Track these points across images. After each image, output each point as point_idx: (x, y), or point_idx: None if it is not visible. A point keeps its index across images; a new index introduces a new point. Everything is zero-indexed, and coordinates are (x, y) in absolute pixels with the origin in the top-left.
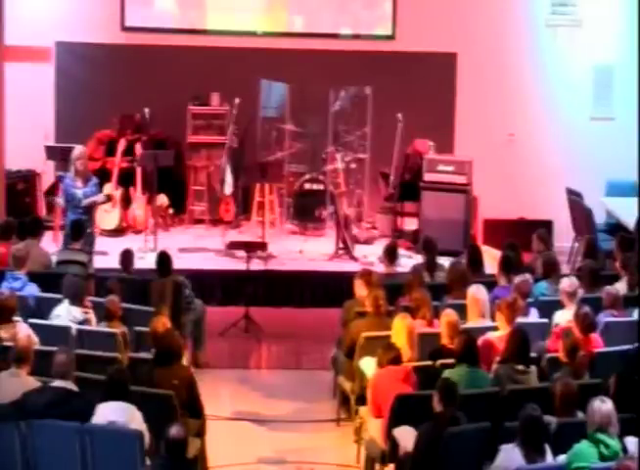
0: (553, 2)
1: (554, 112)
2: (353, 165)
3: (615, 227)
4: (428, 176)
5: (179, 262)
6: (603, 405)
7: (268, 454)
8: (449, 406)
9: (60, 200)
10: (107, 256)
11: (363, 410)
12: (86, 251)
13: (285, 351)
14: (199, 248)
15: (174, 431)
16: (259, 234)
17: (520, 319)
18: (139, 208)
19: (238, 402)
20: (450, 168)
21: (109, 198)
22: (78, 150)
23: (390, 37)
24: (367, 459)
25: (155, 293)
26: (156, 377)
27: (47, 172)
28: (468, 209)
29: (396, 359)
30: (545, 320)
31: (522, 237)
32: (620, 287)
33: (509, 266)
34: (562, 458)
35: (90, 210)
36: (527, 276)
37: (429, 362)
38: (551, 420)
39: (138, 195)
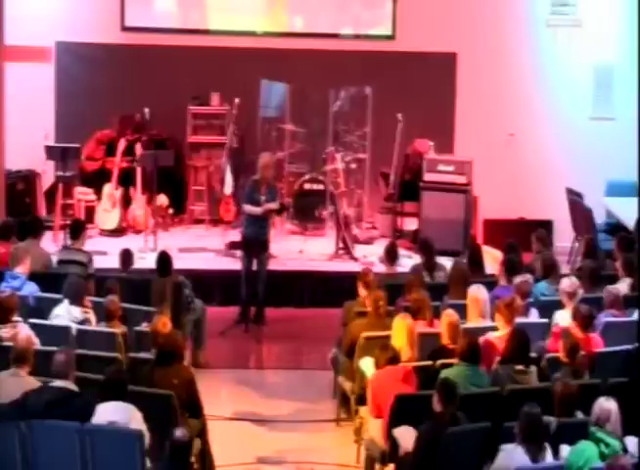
0: (553, 2)
1: (554, 111)
2: (353, 165)
3: (615, 227)
4: (428, 176)
5: (179, 262)
6: (606, 402)
7: (268, 454)
8: (449, 406)
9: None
10: (107, 256)
11: (363, 410)
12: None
13: (285, 351)
14: (199, 248)
15: (179, 433)
16: None
17: (520, 319)
18: (139, 208)
19: (238, 402)
20: (450, 168)
21: (282, 207)
22: (267, 157)
23: (391, 37)
24: (367, 459)
25: (155, 293)
26: (156, 377)
27: (47, 172)
28: (468, 209)
29: (394, 359)
30: (545, 320)
31: (522, 237)
32: (621, 287)
33: (513, 269)
34: (564, 449)
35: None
36: (528, 276)
37: (429, 362)
38: (551, 420)
39: (138, 195)
